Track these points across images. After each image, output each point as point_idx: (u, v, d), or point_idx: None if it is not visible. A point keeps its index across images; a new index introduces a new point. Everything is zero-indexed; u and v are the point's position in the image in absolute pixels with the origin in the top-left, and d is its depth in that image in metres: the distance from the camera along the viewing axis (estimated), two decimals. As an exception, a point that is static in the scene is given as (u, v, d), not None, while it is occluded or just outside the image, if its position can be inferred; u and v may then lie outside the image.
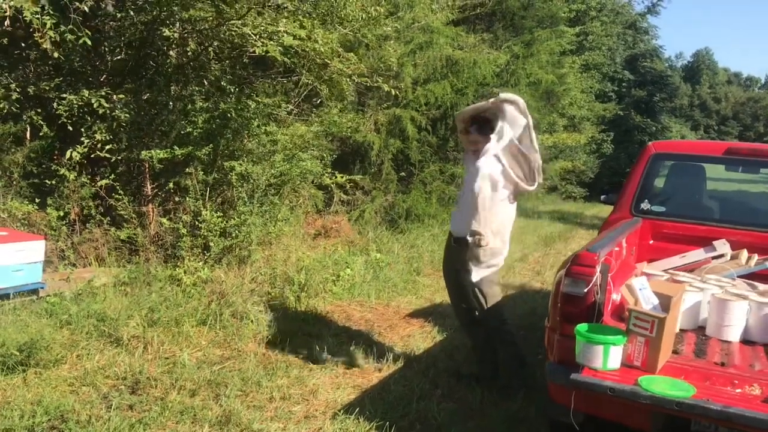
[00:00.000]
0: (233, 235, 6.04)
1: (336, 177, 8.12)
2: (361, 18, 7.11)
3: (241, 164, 6.25)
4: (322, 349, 4.76)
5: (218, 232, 5.96)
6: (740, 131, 64.28)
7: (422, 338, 5.36)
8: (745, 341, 3.33)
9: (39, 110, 6.23)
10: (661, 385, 2.72)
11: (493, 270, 4.18)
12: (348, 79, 7.07)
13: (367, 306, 6.27)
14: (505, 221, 4.13)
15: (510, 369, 4.27)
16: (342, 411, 3.84)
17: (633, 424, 3.05)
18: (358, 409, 3.84)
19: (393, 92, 7.97)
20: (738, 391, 2.74)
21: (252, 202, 6.20)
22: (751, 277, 4.04)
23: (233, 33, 6.13)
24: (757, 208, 5.19)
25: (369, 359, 4.75)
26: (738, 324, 3.34)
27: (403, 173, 10.09)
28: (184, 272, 5.66)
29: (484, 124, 4.09)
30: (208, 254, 5.94)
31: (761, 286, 3.87)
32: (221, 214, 6.15)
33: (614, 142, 26.82)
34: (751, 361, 3.07)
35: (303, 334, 5.15)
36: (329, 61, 6.57)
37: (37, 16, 5.09)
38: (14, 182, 6.13)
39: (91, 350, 4.37)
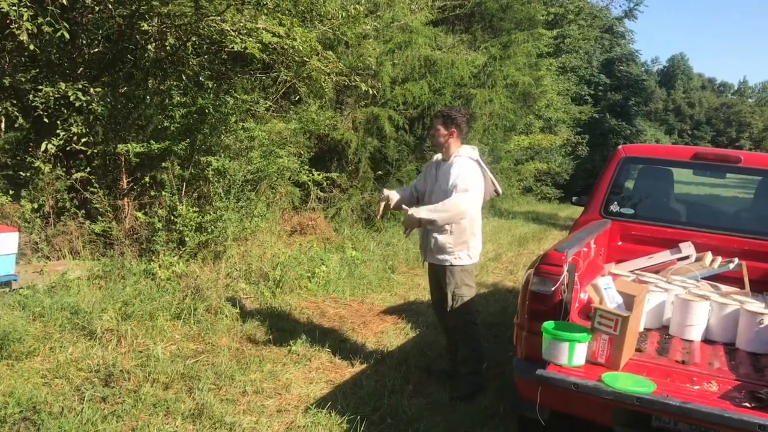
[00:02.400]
0: (209, 230, 6.05)
1: (313, 174, 8.16)
2: (341, 16, 7.16)
3: (218, 160, 6.26)
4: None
5: (194, 227, 5.98)
6: (713, 136, 65.40)
7: (395, 335, 5.43)
8: (707, 340, 3.45)
9: (14, 102, 6.18)
10: (623, 381, 2.80)
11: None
12: (326, 77, 7.10)
13: (342, 303, 6.32)
14: None
15: (467, 368, 4.35)
16: (314, 405, 3.90)
17: (597, 419, 3.13)
18: (330, 403, 3.89)
19: (371, 91, 8.02)
20: (696, 387, 2.84)
21: (228, 198, 6.22)
22: (715, 278, 4.17)
23: (212, 29, 6.14)
24: (722, 211, 5.32)
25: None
26: (700, 324, 3.46)
27: (380, 172, 10.12)
28: (159, 266, 5.67)
29: (447, 120, 4.30)
30: (184, 249, 5.95)
31: (724, 288, 4.00)
32: (197, 209, 6.16)
33: (589, 144, 27.08)
34: (711, 359, 3.18)
35: (277, 329, 5.19)
36: (308, 59, 6.60)
37: (14, 7, 5.05)
38: (-12, 174, 6.07)
39: (64, 343, 4.37)
